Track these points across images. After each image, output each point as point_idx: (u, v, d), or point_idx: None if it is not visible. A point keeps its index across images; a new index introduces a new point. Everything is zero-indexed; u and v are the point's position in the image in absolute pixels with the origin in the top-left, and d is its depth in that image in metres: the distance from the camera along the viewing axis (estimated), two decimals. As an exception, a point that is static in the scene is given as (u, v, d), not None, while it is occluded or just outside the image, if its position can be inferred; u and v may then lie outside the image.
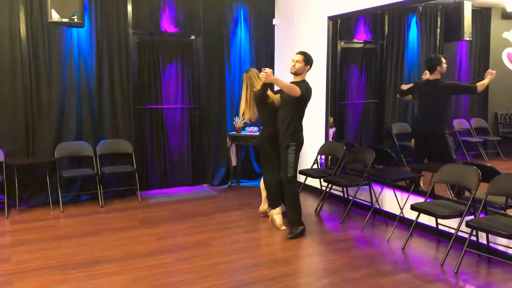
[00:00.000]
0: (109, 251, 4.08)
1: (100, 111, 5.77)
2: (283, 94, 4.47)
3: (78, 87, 5.60)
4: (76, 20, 4.85)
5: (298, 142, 4.53)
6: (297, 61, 4.49)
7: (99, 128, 5.78)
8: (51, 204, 5.37)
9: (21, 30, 5.26)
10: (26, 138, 5.39)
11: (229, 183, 6.52)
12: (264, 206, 5.04)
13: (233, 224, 4.88)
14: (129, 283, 3.46)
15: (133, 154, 5.81)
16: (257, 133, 6.31)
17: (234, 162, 6.51)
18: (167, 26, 6.08)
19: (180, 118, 6.41)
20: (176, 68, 6.33)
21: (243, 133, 6.36)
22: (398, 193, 4.76)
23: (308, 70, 4.55)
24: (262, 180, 5.00)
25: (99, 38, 5.66)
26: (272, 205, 4.75)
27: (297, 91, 4.27)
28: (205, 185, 6.56)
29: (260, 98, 4.53)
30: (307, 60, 4.50)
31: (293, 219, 4.53)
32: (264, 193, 4.99)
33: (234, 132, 6.38)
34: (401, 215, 4.56)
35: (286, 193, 4.56)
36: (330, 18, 5.67)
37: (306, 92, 4.40)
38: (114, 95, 5.80)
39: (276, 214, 4.72)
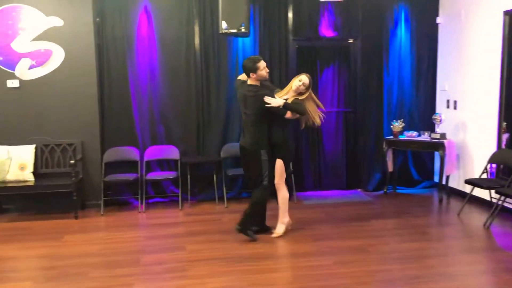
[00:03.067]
0: (269, 248, 4.29)
1: (261, 115, 6.10)
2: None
3: (242, 93, 6.01)
4: (243, 30, 5.20)
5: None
6: None
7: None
8: (216, 199, 5.86)
9: (195, 41, 5.84)
10: (197, 139, 5.98)
11: (385, 190, 6.31)
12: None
13: (391, 232, 4.73)
14: (289, 281, 3.60)
15: (290, 156, 6.02)
16: (417, 138, 6.02)
17: (390, 167, 6.28)
18: (325, 30, 6.15)
19: (335, 122, 6.44)
20: (333, 72, 6.38)
21: (401, 137, 6.11)
22: None
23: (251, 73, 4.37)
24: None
25: (262, 45, 5.99)
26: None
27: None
28: (359, 190, 6.47)
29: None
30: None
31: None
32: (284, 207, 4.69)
33: (392, 137, 6.16)
34: None
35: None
36: (506, 12, 5.12)
37: (271, 93, 4.47)
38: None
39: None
